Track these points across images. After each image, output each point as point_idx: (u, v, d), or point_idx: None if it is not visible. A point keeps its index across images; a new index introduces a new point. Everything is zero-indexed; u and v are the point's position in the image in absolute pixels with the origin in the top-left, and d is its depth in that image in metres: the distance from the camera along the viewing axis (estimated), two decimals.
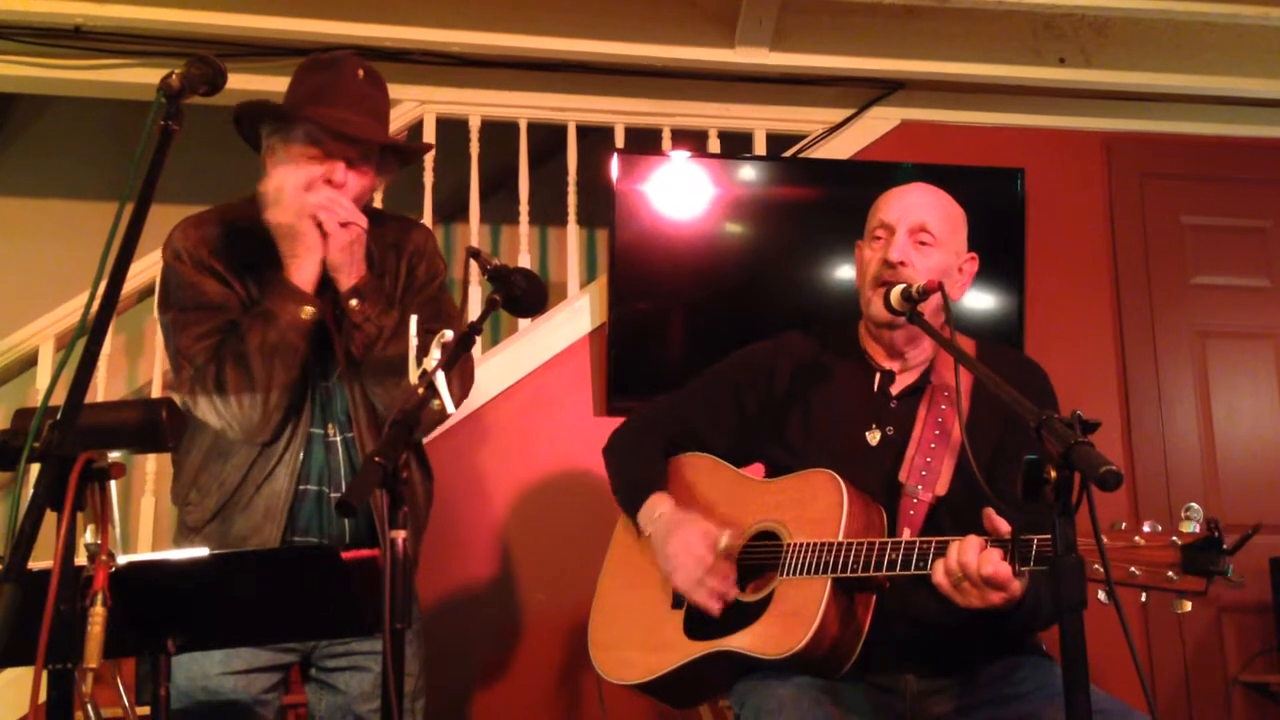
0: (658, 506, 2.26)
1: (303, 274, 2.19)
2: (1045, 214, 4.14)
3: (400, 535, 1.63)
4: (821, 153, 4.15)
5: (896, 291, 2.13)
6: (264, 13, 3.76)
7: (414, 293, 2.37)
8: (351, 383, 2.27)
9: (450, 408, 1.76)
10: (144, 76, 3.83)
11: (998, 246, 3.95)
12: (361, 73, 2.30)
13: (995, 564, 1.84)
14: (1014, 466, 1.94)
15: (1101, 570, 1.61)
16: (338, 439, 2.29)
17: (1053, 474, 1.50)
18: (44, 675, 1.34)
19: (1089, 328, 4.19)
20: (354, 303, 2.20)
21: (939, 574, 1.90)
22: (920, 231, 2.21)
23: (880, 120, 4.21)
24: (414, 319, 1.82)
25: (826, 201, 3.94)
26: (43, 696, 1.43)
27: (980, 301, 3.96)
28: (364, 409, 2.28)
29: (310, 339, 2.20)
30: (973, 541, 1.87)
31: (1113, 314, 4.22)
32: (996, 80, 4.17)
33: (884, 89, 4.20)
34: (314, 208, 2.18)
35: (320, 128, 2.21)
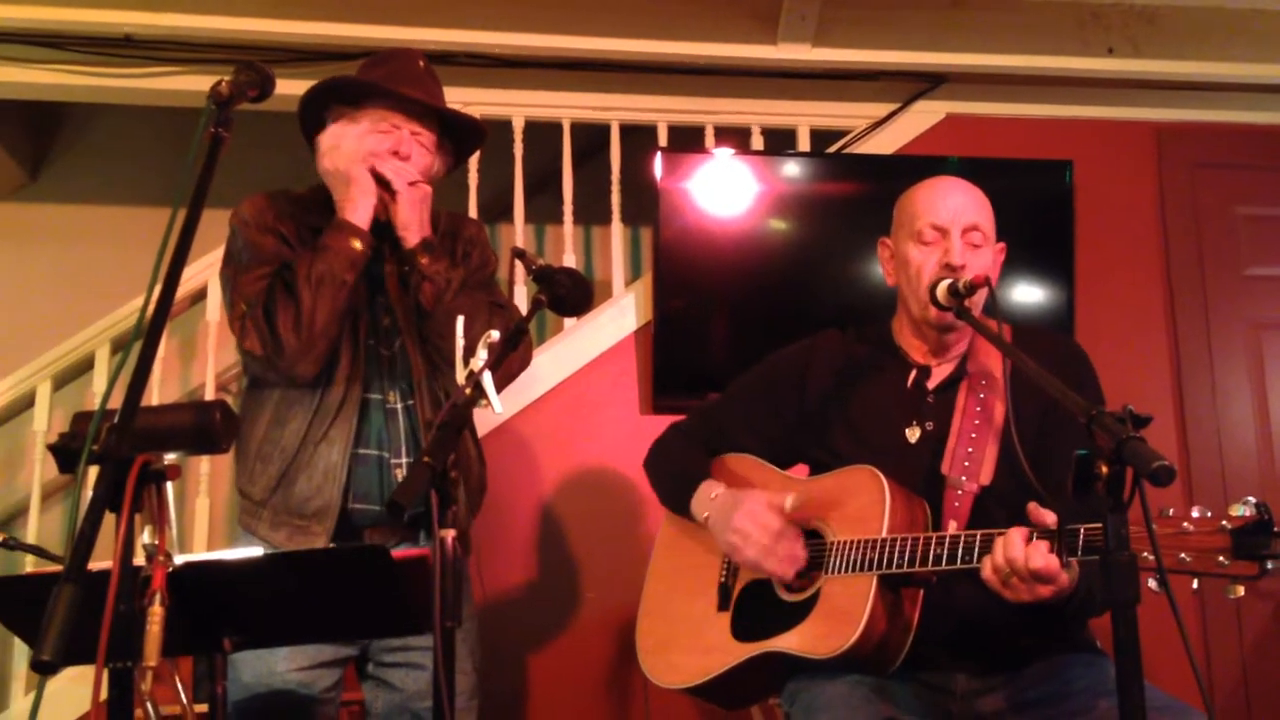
0: (712, 489, 2.26)
1: (356, 214, 2.31)
2: (1095, 206, 4.09)
3: (449, 535, 1.65)
4: (865, 148, 4.13)
5: (943, 286, 2.12)
6: (309, 18, 3.80)
7: (469, 273, 2.43)
8: (415, 350, 2.35)
9: (497, 408, 1.78)
10: (193, 84, 3.88)
11: (1046, 239, 3.91)
12: (422, 63, 2.47)
13: (1043, 558, 1.82)
14: (1058, 451, 1.94)
15: (1151, 559, 1.60)
16: (398, 406, 2.35)
17: (1104, 470, 1.49)
18: (104, 673, 1.36)
19: (1141, 321, 4.13)
20: (424, 257, 2.32)
21: (987, 570, 1.89)
22: (972, 232, 2.19)
23: (925, 114, 4.18)
24: (460, 319, 1.84)
25: (871, 197, 3.90)
26: (104, 694, 1.46)
27: (1030, 295, 3.92)
28: (426, 377, 2.35)
29: (360, 274, 2.29)
30: (1018, 535, 1.86)
31: (1165, 307, 4.15)
32: (1043, 72, 4.12)
33: (928, 83, 4.17)
34: (377, 162, 2.31)
35: (389, 100, 2.35)
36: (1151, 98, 4.25)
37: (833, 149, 4.15)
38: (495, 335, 1.79)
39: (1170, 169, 4.23)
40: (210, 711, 1.86)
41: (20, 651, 3.68)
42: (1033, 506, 1.88)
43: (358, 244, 2.28)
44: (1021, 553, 1.84)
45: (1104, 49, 4.10)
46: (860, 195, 3.94)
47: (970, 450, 2.13)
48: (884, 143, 4.14)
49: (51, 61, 3.86)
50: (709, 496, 2.25)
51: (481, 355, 1.77)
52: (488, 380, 1.76)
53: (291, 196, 2.47)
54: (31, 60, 3.85)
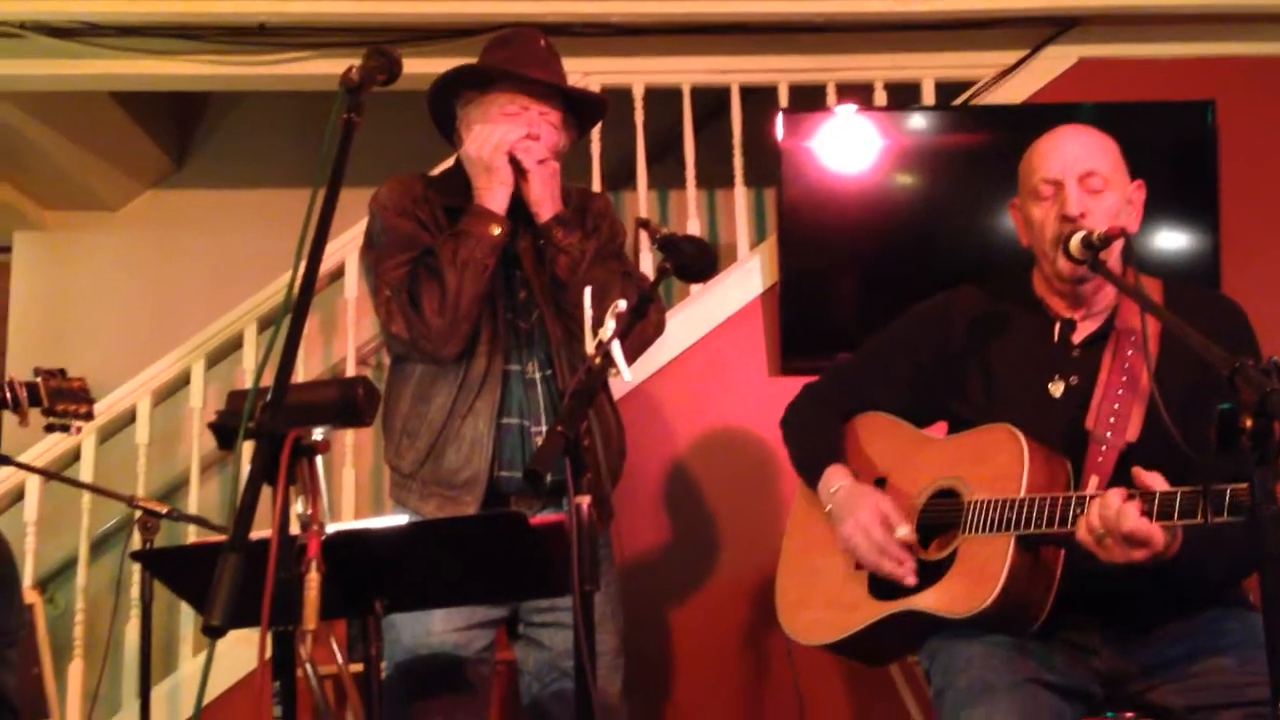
0: (834, 481, 2.25)
1: (494, 201, 2.40)
2: (1239, 147, 3.91)
3: (585, 501, 1.70)
4: (993, 98, 4.02)
5: (1076, 239, 2.06)
6: None
7: (601, 245, 2.49)
8: (553, 321, 2.43)
9: (627, 375, 1.81)
10: (325, 67, 3.99)
11: (1188, 183, 3.77)
12: (543, 42, 2.54)
13: (1134, 520, 1.81)
14: (1209, 411, 1.88)
15: None
16: (537, 376, 2.44)
17: (1248, 423, 1.45)
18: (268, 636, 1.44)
19: None
20: (558, 230, 2.40)
21: (1081, 530, 1.88)
22: (1090, 177, 2.13)
23: (1055, 60, 4.05)
24: (588, 291, 1.88)
25: (1000, 148, 3.77)
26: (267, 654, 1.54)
27: (1173, 242, 3.78)
28: (564, 346, 2.42)
29: (498, 258, 2.38)
30: (1115, 495, 1.84)
31: None
32: (1181, 9, 3.95)
33: (1058, 27, 4.03)
34: (512, 147, 2.40)
35: (517, 83, 2.44)
36: None
37: (959, 100, 4.06)
38: (623, 305, 1.82)
39: None
40: (365, 671, 1.95)
41: (186, 615, 3.88)
42: (1137, 470, 1.86)
43: (496, 230, 2.37)
44: (1114, 512, 1.82)
45: None
46: (989, 147, 3.85)
47: (1116, 406, 2.08)
48: (1013, 92, 4.03)
49: (191, 53, 4.01)
50: (830, 490, 2.25)
51: (610, 324, 1.80)
52: (616, 349, 1.79)
53: (428, 179, 2.58)
54: (173, 52, 4.01)
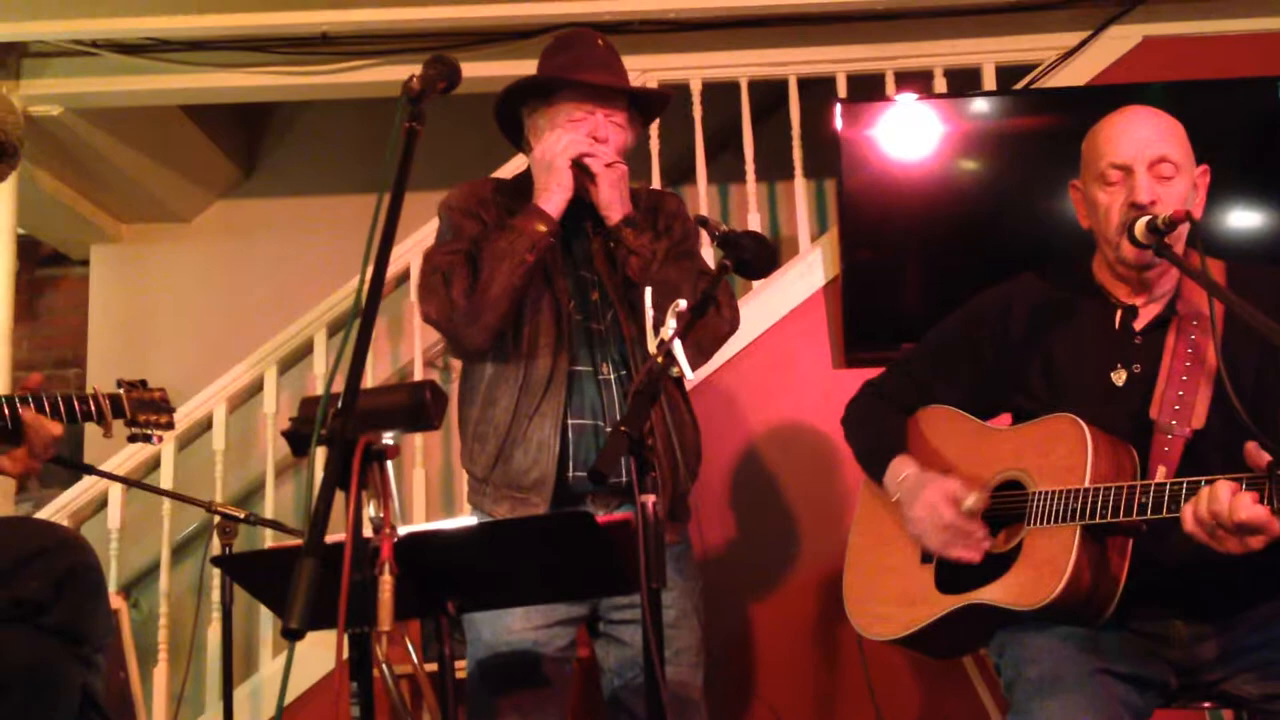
0: (901, 470, 2.24)
1: (550, 203, 2.43)
2: None
3: (650, 499, 1.71)
4: (1056, 81, 3.97)
5: (1141, 224, 2.04)
6: (490, 0, 3.92)
7: (673, 245, 2.51)
8: (627, 321, 2.46)
9: (689, 374, 1.82)
10: (386, 74, 4.07)
11: (1258, 162, 3.70)
12: (601, 42, 2.56)
13: (1248, 509, 1.74)
14: (1278, 394, 1.84)
15: None
16: (611, 376, 2.45)
17: None
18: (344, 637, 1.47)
19: None
20: (628, 231, 2.42)
21: (1189, 523, 1.82)
22: (1161, 164, 2.09)
23: (1119, 40, 3.98)
24: (648, 291, 1.89)
25: (1064, 131, 3.72)
26: (344, 656, 1.57)
27: (1243, 221, 3.71)
28: (639, 347, 2.43)
29: (538, 256, 2.39)
30: (1224, 488, 1.78)
31: None
32: None
33: (1122, 6, 3.97)
34: (578, 153, 2.42)
35: (580, 90, 2.46)
36: None
37: (1021, 85, 4.01)
38: (683, 304, 1.84)
39: None
40: (439, 670, 1.98)
41: (266, 618, 3.96)
42: (1251, 447, 1.80)
43: (542, 228, 2.39)
44: (1226, 505, 1.77)
45: None
46: (1053, 130, 3.80)
47: (1181, 394, 2.04)
48: (1076, 74, 3.98)
49: (257, 65, 4.10)
50: (897, 479, 2.24)
51: (670, 324, 1.81)
52: (678, 347, 1.81)
53: (498, 183, 2.62)
54: (239, 65, 4.11)
